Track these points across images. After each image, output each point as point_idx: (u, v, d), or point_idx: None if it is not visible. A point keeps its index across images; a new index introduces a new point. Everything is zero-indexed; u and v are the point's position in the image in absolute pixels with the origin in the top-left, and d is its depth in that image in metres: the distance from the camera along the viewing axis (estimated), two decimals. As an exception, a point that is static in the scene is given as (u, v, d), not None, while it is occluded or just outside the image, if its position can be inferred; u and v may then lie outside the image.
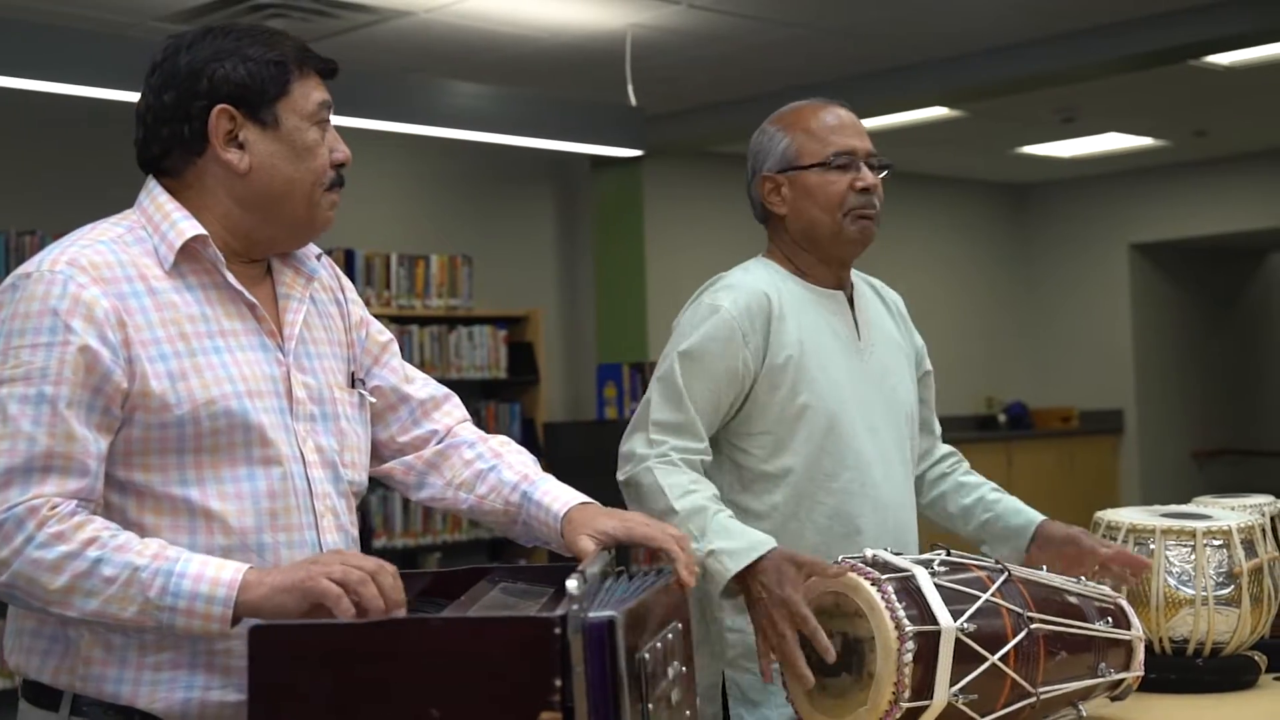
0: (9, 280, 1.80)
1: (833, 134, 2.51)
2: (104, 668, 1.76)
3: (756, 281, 2.49)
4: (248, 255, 1.91)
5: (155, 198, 1.87)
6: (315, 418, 1.89)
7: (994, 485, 2.67)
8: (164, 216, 1.84)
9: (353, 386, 2.00)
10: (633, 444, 2.42)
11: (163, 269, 1.82)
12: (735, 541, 2.23)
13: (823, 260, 2.55)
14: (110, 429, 1.75)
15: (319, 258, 2.01)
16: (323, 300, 2.01)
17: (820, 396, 2.44)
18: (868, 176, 2.50)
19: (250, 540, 1.79)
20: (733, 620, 2.44)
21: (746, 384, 2.44)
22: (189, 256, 1.84)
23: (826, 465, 2.44)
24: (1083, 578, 2.25)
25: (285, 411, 1.85)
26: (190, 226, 1.83)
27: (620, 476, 2.41)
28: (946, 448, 2.75)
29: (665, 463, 2.36)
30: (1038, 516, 2.55)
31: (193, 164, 1.86)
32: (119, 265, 1.79)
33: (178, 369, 1.77)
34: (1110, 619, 2.16)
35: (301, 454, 1.85)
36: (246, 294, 1.86)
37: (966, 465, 2.73)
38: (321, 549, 1.84)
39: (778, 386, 2.43)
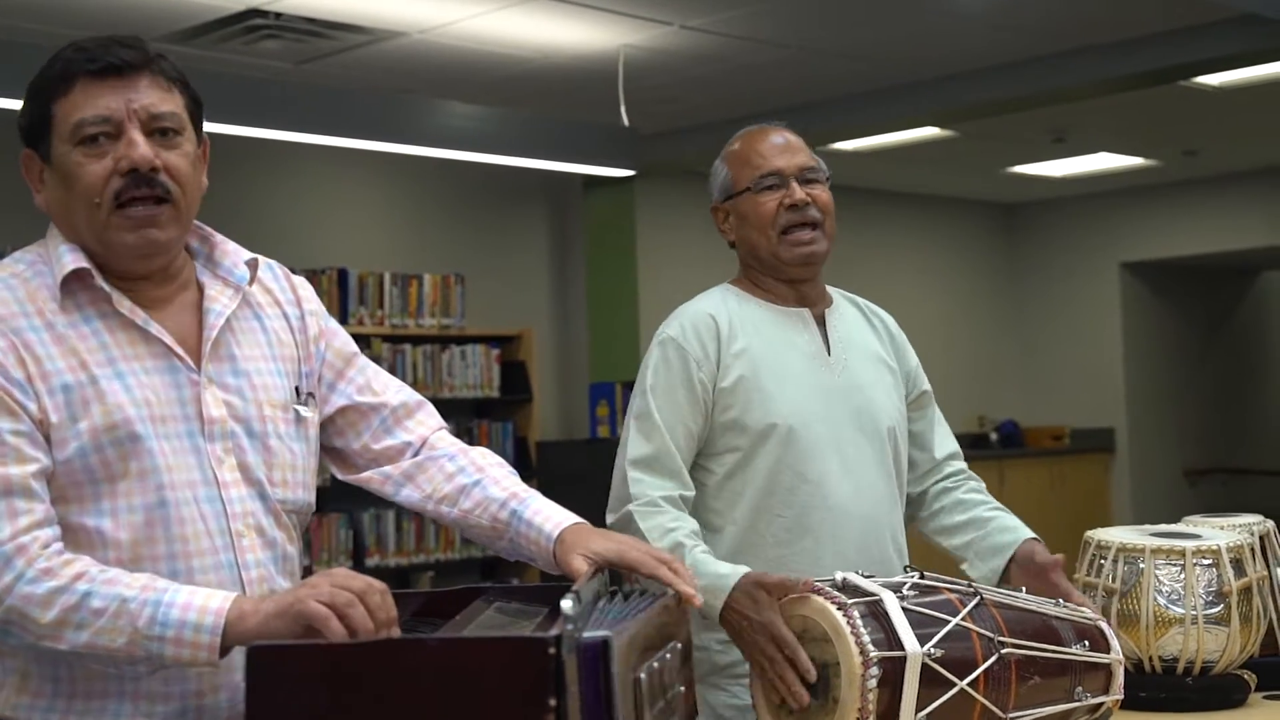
0: None
1: (759, 157, 2.55)
2: (35, 698, 1.76)
3: (703, 306, 2.54)
4: (134, 278, 1.85)
5: (50, 233, 1.87)
6: (236, 435, 1.85)
7: (994, 504, 2.63)
8: (53, 252, 1.83)
9: (300, 401, 1.94)
10: (615, 487, 2.46)
11: (58, 303, 1.79)
12: (706, 580, 2.22)
13: (778, 280, 2.58)
14: (47, 454, 1.75)
15: (251, 264, 1.95)
16: (267, 314, 1.96)
17: (776, 413, 2.47)
18: (795, 192, 2.52)
19: (162, 568, 1.76)
20: (699, 638, 2.45)
21: (708, 407, 2.48)
22: (84, 287, 1.81)
23: (785, 480, 2.46)
24: (1061, 599, 2.24)
25: (195, 434, 1.81)
26: (73, 260, 1.80)
27: (609, 520, 2.43)
28: (956, 465, 2.71)
29: (646, 505, 2.39)
30: (1022, 536, 2.51)
31: None
32: (15, 303, 1.78)
33: (79, 398, 1.75)
34: (1088, 642, 2.14)
35: (215, 475, 1.82)
36: (140, 322, 1.82)
37: (973, 484, 2.68)
38: (240, 569, 1.82)
39: (730, 407, 2.47)
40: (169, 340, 1.82)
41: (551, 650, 1.47)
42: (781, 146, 2.56)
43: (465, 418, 7.63)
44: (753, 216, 2.55)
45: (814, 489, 2.47)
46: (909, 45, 6.52)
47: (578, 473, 6.29)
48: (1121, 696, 2.17)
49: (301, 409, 1.94)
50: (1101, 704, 2.15)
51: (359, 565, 7.03)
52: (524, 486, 2.01)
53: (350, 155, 6.64)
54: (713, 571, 2.25)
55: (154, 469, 1.77)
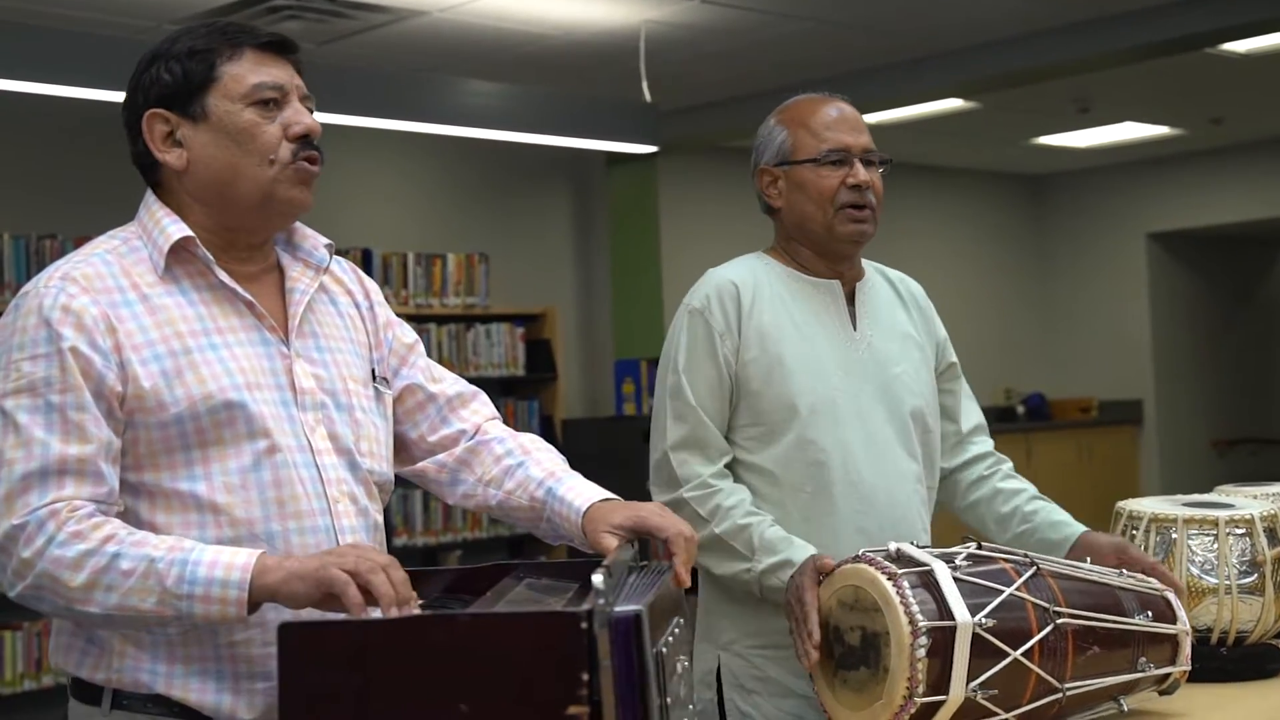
0: (14, 300, 1.85)
1: (828, 130, 2.52)
2: (136, 661, 1.80)
3: (728, 274, 2.53)
4: (237, 248, 1.93)
5: (149, 207, 1.92)
6: (326, 407, 1.91)
7: (1034, 493, 2.61)
8: (155, 223, 1.89)
9: (376, 382, 2.02)
10: (658, 468, 2.49)
11: (156, 275, 1.86)
12: (779, 556, 2.33)
13: (819, 254, 2.57)
14: (118, 432, 1.79)
15: (329, 247, 2.03)
16: (341, 301, 2.04)
17: (796, 388, 2.46)
18: (860, 173, 2.50)
19: (259, 530, 1.81)
20: (729, 607, 2.48)
21: (733, 379, 2.49)
22: (182, 260, 1.88)
23: (808, 454, 2.46)
24: (1124, 570, 2.22)
25: (289, 403, 1.87)
26: (177, 230, 1.87)
27: (662, 500, 2.44)
28: (986, 446, 2.69)
29: (697, 487, 2.43)
30: (1077, 530, 2.48)
31: (160, 171, 1.91)
32: (110, 276, 1.84)
33: (173, 368, 1.80)
34: (1152, 612, 2.13)
35: (309, 442, 1.87)
36: (240, 291, 1.89)
37: (1007, 469, 2.67)
38: (337, 534, 1.87)
39: (750, 379, 2.47)
40: (263, 309, 1.89)
41: (584, 625, 1.47)
42: (850, 122, 2.54)
43: (491, 397, 7.60)
44: (812, 189, 2.52)
45: (835, 465, 2.46)
46: (930, 16, 6.48)
47: (604, 450, 6.28)
48: (1189, 668, 2.15)
49: (380, 387, 2.02)
50: (1168, 674, 2.14)
51: (387, 544, 7.04)
52: (564, 467, 2.06)
53: (372, 135, 6.64)
54: (786, 546, 2.34)
55: (260, 432, 1.82)
